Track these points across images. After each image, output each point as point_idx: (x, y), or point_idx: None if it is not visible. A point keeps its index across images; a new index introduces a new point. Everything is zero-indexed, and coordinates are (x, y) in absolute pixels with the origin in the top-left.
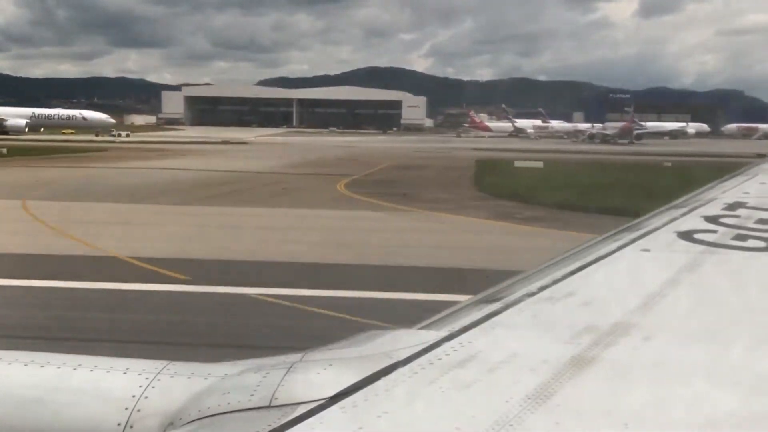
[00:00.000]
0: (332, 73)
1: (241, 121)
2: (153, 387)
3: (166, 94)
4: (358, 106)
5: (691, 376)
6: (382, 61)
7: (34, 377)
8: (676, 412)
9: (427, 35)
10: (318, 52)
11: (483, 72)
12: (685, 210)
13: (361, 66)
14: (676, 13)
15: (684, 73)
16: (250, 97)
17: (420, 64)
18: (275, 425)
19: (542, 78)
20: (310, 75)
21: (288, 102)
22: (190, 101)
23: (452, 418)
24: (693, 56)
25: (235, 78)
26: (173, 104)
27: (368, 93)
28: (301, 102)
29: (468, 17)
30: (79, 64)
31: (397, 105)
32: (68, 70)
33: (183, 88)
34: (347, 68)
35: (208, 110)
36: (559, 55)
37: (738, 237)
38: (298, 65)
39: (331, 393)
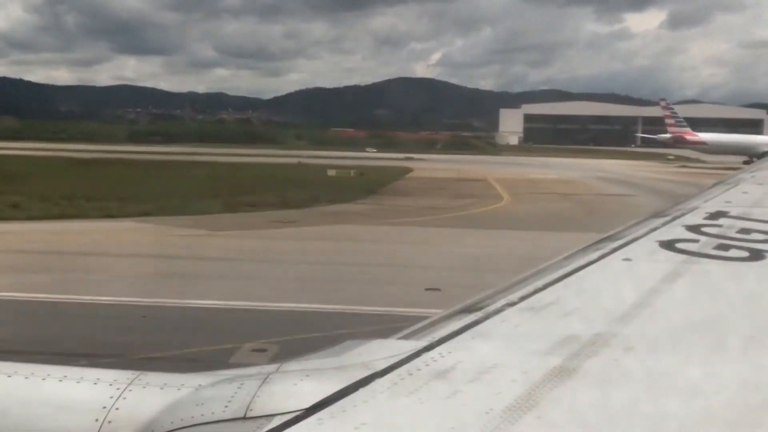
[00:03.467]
0: (357, 83)
1: (576, 141)
2: (124, 398)
3: (504, 112)
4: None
5: (673, 386)
6: (391, 71)
7: (1, 388)
8: (657, 423)
9: (440, 44)
10: (325, 62)
11: (496, 82)
12: (667, 219)
13: (389, 77)
14: (704, 24)
15: (713, 87)
16: (586, 114)
17: (440, 73)
18: None
19: (574, 90)
20: (332, 85)
21: (624, 120)
22: (529, 119)
23: (432, 429)
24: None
25: (235, 86)
26: (512, 122)
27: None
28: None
29: (486, 26)
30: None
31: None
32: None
33: (523, 105)
34: (372, 78)
35: (547, 129)
36: (584, 67)
37: (720, 246)
38: (300, 74)
39: (307, 404)
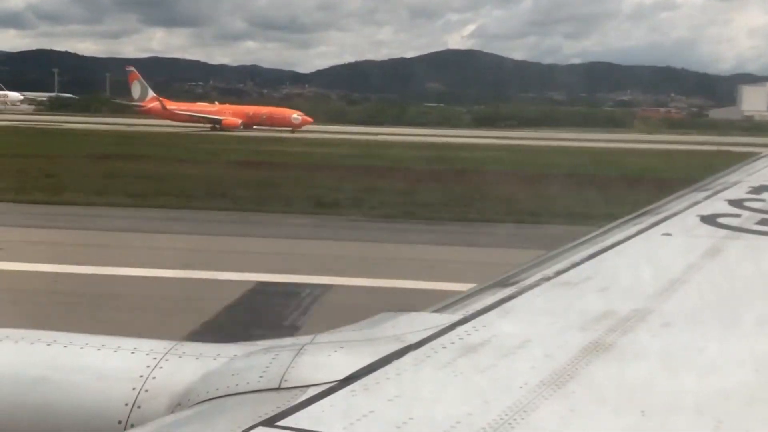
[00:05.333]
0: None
1: None
2: (161, 367)
3: (748, 89)
4: None
5: (710, 363)
6: (423, 44)
7: (41, 356)
8: (693, 400)
9: (477, 16)
10: (357, 34)
11: (529, 54)
12: (708, 193)
13: (428, 49)
14: None
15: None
16: None
17: (472, 45)
18: (285, 407)
19: (623, 63)
20: (359, 58)
21: None
22: None
23: (464, 403)
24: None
25: (259, 58)
26: (757, 100)
27: None
28: None
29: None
30: None
31: None
32: None
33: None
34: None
35: None
36: (620, 39)
37: (763, 222)
38: (329, 47)
39: (341, 376)
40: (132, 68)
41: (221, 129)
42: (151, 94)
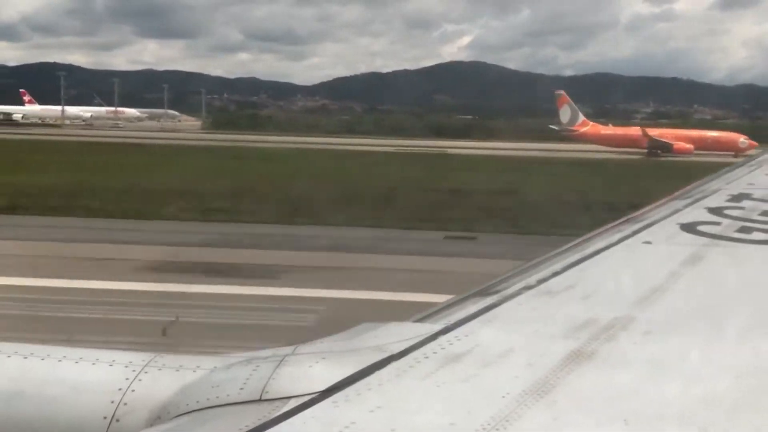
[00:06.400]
0: (405, 67)
1: None
2: (140, 380)
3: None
4: None
5: (692, 370)
6: (419, 54)
7: (18, 369)
8: (676, 407)
9: (473, 27)
10: (352, 45)
11: (524, 65)
12: (688, 201)
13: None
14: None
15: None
16: None
17: (467, 56)
18: (266, 419)
19: (623, 73)
20: (361, 70)
21: None
22: None
23: (447, 413)
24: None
25: (252, 70)
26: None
27: None
28: None
29: (524, 7)
30: None
31: None
32: None
33: None
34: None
35: None
36: (614, 50)
37: (742, 229)
38: (325, 58)
39: (322, 387)
40: (562, 92)
41: (665, 154)
42: (581, 118)
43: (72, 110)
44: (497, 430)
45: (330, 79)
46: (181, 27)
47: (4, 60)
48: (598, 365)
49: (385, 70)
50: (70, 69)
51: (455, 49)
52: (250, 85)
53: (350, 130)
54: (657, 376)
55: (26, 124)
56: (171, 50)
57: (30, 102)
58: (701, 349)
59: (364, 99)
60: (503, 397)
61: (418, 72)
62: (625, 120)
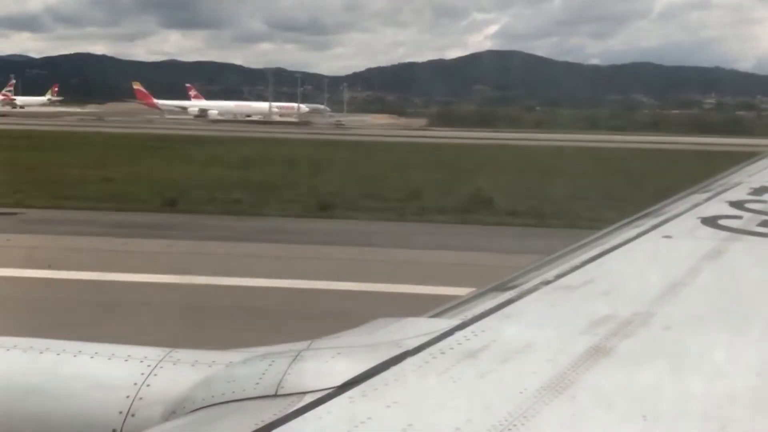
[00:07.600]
0: (440, 57)
1: None
2: (155, 375)
3: None
4: None
5: (713, 366)
6: (446, 43)
7: (33, 364)
8: (696, 404)
9: (500, 16)
10: (378, 35)
11: (551, 53)
12: (709, 195)
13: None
14: None
15: None
16: None
17: (493, 45)
18: (281, 414)
19: (666, 63)
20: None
21: None
22: None
23: (464, 409)
24: None
25: (275, 59)
26: None
27: None
28: None
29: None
30: None
31: None
32: None
33: None
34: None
35: None
36: (643, 39)
37: (764, 223)
38: (349, 48)
39: (339, 382)
40: None
41: None
42: None
43: (257, 106)
44: (515, 426)
45: (362, 69)
46: (204, 17)
47: (27, 50)
48: (617, 361)
49: (419, 60)
50: (101, 60)
51: (481, 38)
52: (279, 76)
53: (537, 125)
54: (677, 372)
55: (258, 122)
56: (193, 40)
57: (196, 97)
58: (722, 345)
59: (398, 89)
60: (521, 393)
61: (454, 62)
62: None
